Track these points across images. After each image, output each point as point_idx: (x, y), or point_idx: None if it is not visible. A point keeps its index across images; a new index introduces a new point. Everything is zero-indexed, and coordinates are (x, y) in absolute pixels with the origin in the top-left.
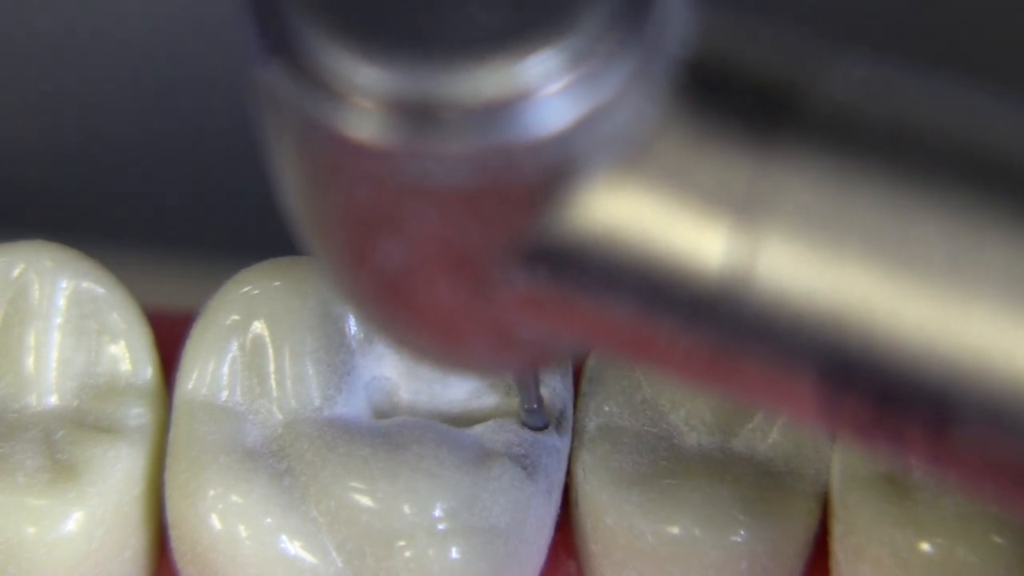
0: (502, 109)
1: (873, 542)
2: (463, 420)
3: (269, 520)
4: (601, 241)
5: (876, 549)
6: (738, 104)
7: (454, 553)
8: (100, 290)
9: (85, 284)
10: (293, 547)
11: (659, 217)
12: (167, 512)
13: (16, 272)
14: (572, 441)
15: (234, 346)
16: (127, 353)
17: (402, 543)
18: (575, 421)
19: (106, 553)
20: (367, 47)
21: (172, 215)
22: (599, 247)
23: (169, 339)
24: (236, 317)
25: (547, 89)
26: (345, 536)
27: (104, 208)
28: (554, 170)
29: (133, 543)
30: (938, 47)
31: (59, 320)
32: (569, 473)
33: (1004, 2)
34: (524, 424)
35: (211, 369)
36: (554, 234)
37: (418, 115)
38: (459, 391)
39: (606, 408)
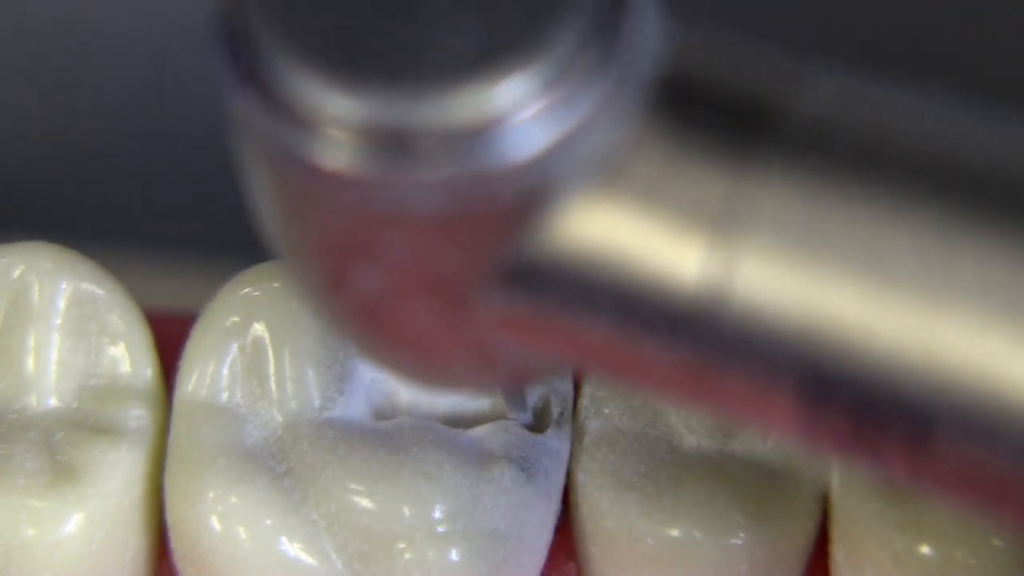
0: (476, 135)
1: (873, 545)
2: (463, 422)
3: (269, 522)
4: (578, 261)
5: (876, 552)
6: (712, 121)
7: (454, 555)
8: (100, 291)
9: (85, 285)
10: (293, 549)
11: (635, 236)
12: (167, 514)
13: (16, 273)
14: (572, 443)
15: (234, 348)
16: (127, 355)
17: (402, 545)
18: (575, 423)
19: (106, 555)
20: (339, 76)
21: (172, 217)
22: (576, 267)
23: (169, 341)
24: (236, 319)
25: (521, 114)
26: (345, 538)
27: (104, 210)
28: (530, 193)
29: (133, 545)
30: (910, 57)
31: (59, 321)
32: (569, 475)
33: (977, 12)
34: (519, 422)
35: (211, 371)
36: (531, 255)
37: (392, 144)
38: (459, 393)
39: (606, 410)
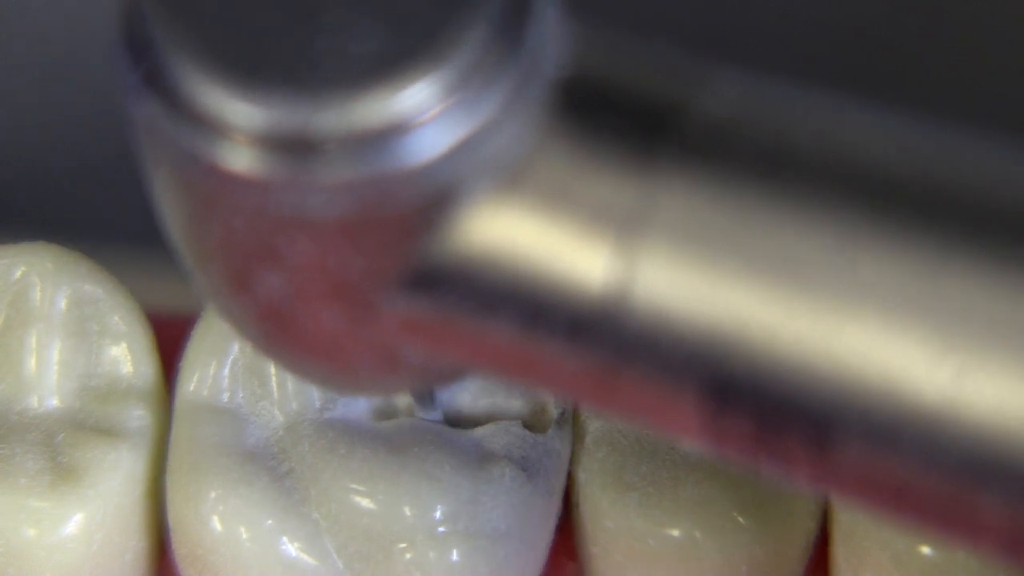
0: (378, 139)
1: (873, 545)
2: (463, 422)
3: (270, 522)
4: (482, 264)
5: (876, 552)
6: (616, 123)
7: (454, 556)
8: (101, 292)
9: (86, 286)
10: (294, 549)
11: (539, 239)
12: (168, 514)
13: (17, 274)
14: (573, 443)
15: (235, 348)
16: (128, 355)
17: (403, 545)
18: (576, 423)
19: (107, 555)
20: (240, 81)
21: None
22: (480, 270)
23: (170, 341)
24: None
25: (422, 117)
26: (346, 538)
27: (105, 210)
28: (433, 196)
29: (134, 545)
30: (822, 62)
31: (60, 322)
32: (570, 475)
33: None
34: (525, 425)
35: (212, 371)
36: (435, 259)
37: (294, 148)
38: (459, 394)
39: None
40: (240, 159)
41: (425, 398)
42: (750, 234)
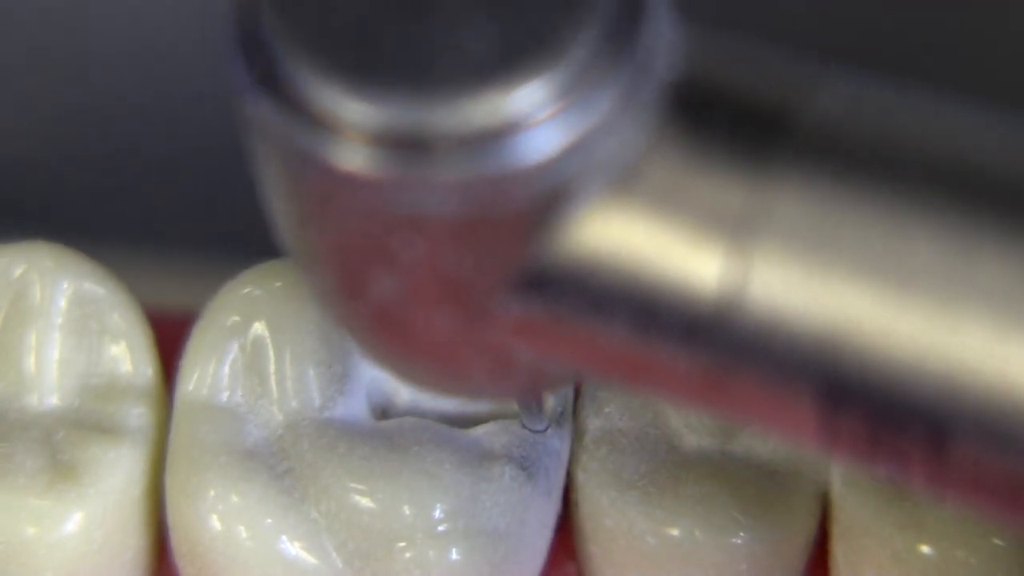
0: (492, 139)
1: (873, 544)
2: (463, 421)
3: (269, 521)
4: (594, 266)
5: (876, 551)
6: (728, 125)
7: (454, 554)
8: (101, 291)
9: (86, 285)
10: (293, 548)
11: (652, 241)
12: (167, 513)
13: (17, 273)
14: (572, 442)
15: (235, 347)
16: (128, 354)
17: (402, 544)
18: (575, 423)
19: (106, 554)
20: (355, 80)
21: (173, 216)
22: (592, 272)
23: (170, 340)
24: (237, 318)
25: (536, 117)
26: (345, 537)
27: (105, 209)
28: (545, 197)
29: (133, 544)
30: (928, 62)
31: (60, 321)
32: (569, 474)
33: (989, 19)
34: (524, 426)
35: (212, 370)
36: (548, 260)
37: (408, 146)
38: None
39: (606, 409)
40: (355, 158)
41: (533, 407)
42: (864, 235)
